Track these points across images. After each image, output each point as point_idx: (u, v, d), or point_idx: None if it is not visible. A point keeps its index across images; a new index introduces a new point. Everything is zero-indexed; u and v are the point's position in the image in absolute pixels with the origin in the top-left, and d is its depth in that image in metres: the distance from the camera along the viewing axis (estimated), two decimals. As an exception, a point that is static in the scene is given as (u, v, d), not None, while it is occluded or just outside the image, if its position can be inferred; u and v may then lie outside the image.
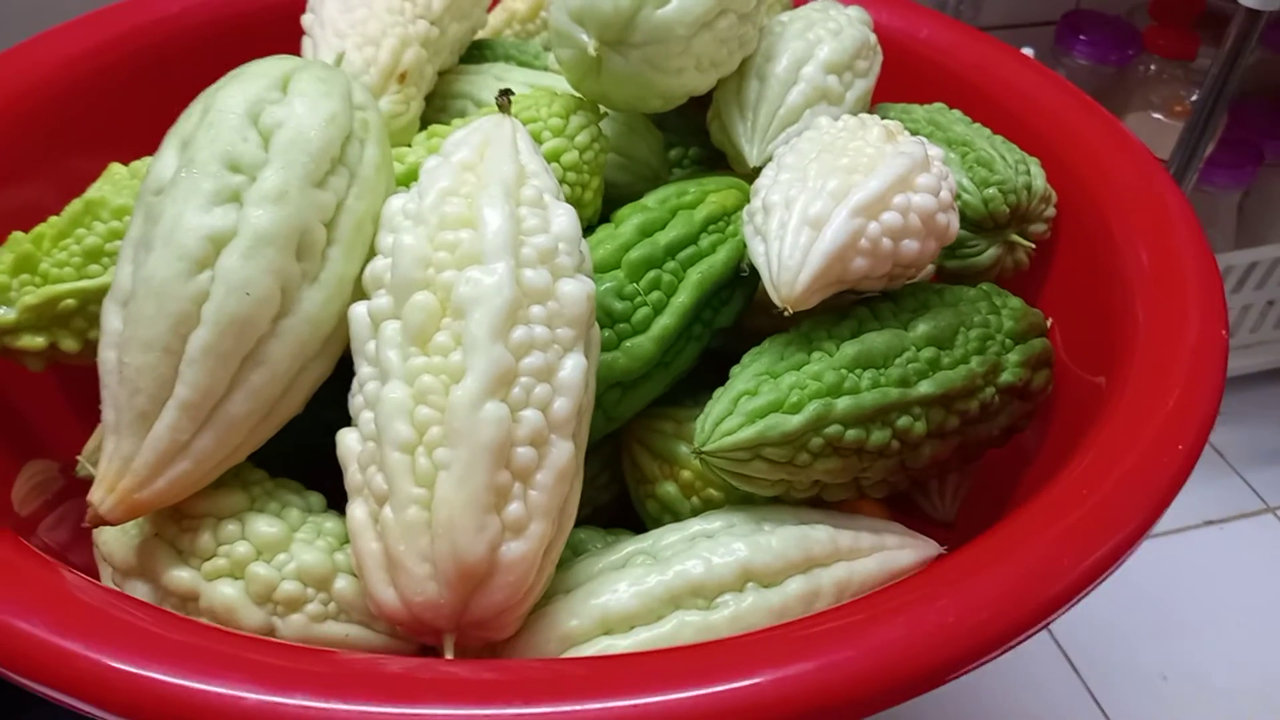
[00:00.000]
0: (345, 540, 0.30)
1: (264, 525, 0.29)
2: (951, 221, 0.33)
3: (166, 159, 0.29)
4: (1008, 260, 0.41)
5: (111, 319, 0.28)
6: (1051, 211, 0.41)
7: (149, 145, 0.47)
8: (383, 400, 0.27)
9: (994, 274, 0.41)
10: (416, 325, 0.27)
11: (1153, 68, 0.74)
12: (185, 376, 0.27)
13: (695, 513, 0.36)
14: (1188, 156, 0.64)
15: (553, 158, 0.36)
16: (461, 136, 0.31)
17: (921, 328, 0.33)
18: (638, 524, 0.39)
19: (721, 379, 0.41)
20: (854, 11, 0.44)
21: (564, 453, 0.28)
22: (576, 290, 0.29)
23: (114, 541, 0.30)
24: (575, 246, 0.30)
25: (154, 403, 0.27)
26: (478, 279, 0.27)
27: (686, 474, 0.36)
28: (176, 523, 0.29)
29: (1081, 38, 0.78)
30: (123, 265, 0.28)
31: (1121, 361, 0.34)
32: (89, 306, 0.33)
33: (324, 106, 0.29)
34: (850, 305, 0.33)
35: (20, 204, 0.43)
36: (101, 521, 0.27)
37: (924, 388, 0.31)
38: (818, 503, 0.33)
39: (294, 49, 0.44)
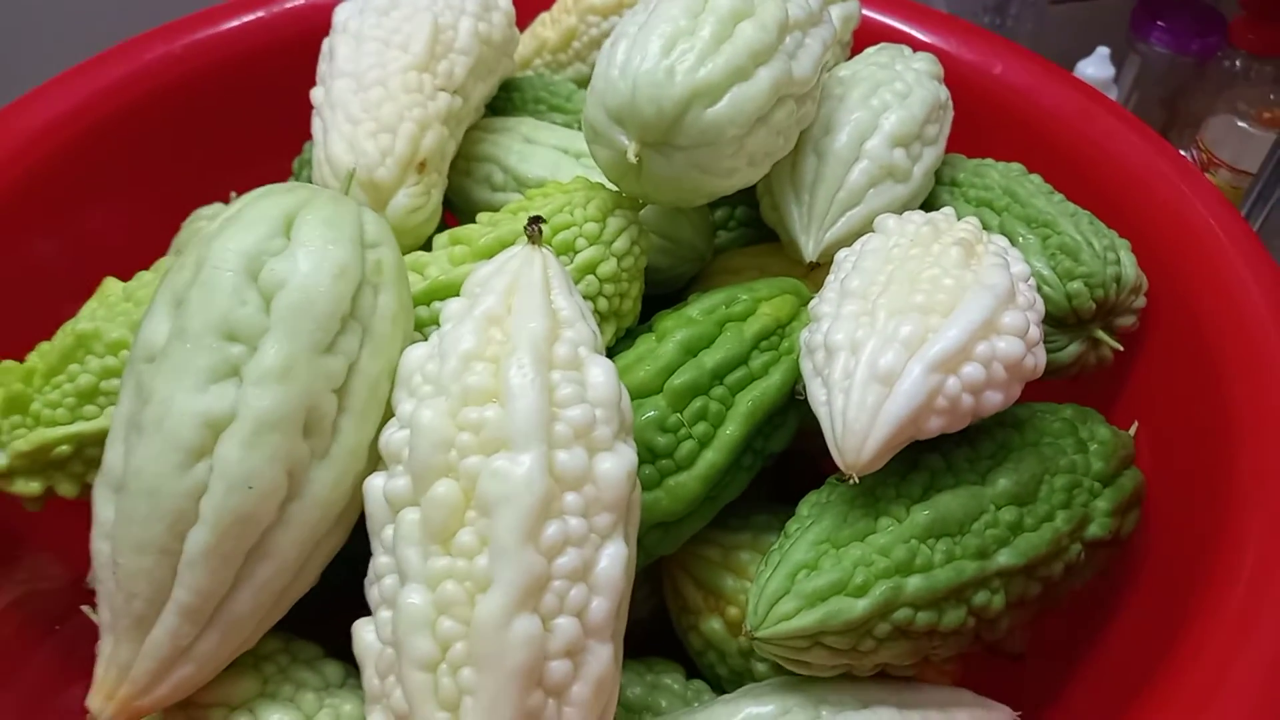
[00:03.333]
0: (365, 722, 0.28)
1: (277, 717, 0.27)
2: (1039, 360, 0.29)
3: (157, 320, 0.26)
4: (1090, 357, 0.37)
5: (103, 507, 0.25)
6: (1141, 302, 0.37)
7: (159, 191, 0.45)
8: (402, 608, 0.24)
9: (1074, 371, 0.37)
10: (438, 522, 0.24)
11: (1238, 64, 0.68)
12: (184, 579, 0.25)
13: (743, 654, 0.33)
14: (1276, 175, 0.59)
15: (589, 269, 0.32)
16: (486, 276, 0.28)
17: (1002, 483, 0.29)
18: (677, 644, 0.36)
19: (773, 485, 0.38)
20: (922, 63, 0.40)
21: (602, 660, 0.25)
22: (616, 469, 0.25)
23: (118, 726, 0.27)
24: (614, 410, 0.26)
25: (151, 607, 0.25)
26: (505, 471, 0.24)
27: (734, 611, 0.33)
28: (183, 711, 0.27)
29: (1159, 24, 0.72)
30: (113, 444, 0.26)
31: (1228, 505, 0.31)
32: (85, 450, 0.30)
33: (332, 257, 0.26)
34: (919, 452, 0.30)
35: (31, 263, 0.41)
36: (99, 729, 0.25)
37: (1004, 558, 0.28)
38: (880, 673, 0.30)
39: (309, 84, 0.41)
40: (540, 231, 0.28)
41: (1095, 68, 0.65)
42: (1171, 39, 0.72)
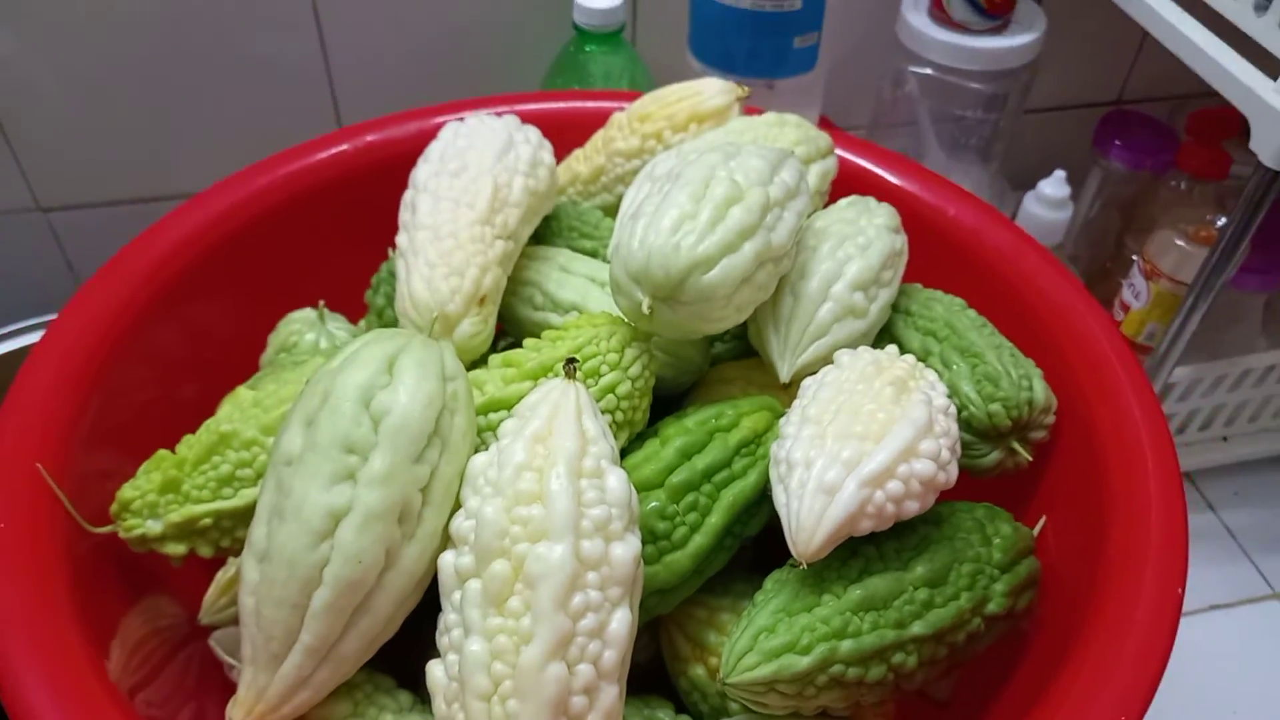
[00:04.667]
0: (430, 738, 0.37)
1: (365, 733, 0.36)
2: (950, 475, 0.39)
3: (293, 434, 0.35)
4: (1009, 462, 0.46)
5: (250, 571, 0.35)
6: (1051, 419, 0.46)
7: (258, 292, 0.54)
8: (465, 654, 0.33)
9: (995, 472, 0.46)
10: (494, 591, 0.33)
11: (1183, 185, 0.77)
12: (309, 627, 0.34)
13: (720, 695, 0.42)
14: (1205, 289, 0.67)
15: (609, 389, 0.41)
16: (534, 402, 0.37)
17: (919, 569, 0.38)
18: (669, 685, 0.45)
19: (754, 556, 0.47)
20: (882, 218, 0.49)
21: (610, 696, 0.34)
22: (625, 554, 0.35)
23: (245, 734, 0.37)
24: (626, 508, 0.36)
25: (283, 647, 0.34)
26: (545, 555, 0.33)
27: (714, 661, 0.42)
28: (295, 726, 0.36)
29: (1117, 143, 0.82)
30: (258, 525, 0.35)
31: (1096, 582, 0.39)
32: (221, 522, 0.40)
33: (423, 390, 0.35)
34: (859, 544, 0.39)
35: (155, 348, 0.50)
36: (239, 736, 0.34)
37: (917, 628, 0.37)
38: (822, 714, 0.39)
39: (383, 205, 0.50)
40: (575, 371, 0.38)
41: (1052, 188, 0.74)
42: (1129, 155, 0.81)
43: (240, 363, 0.53)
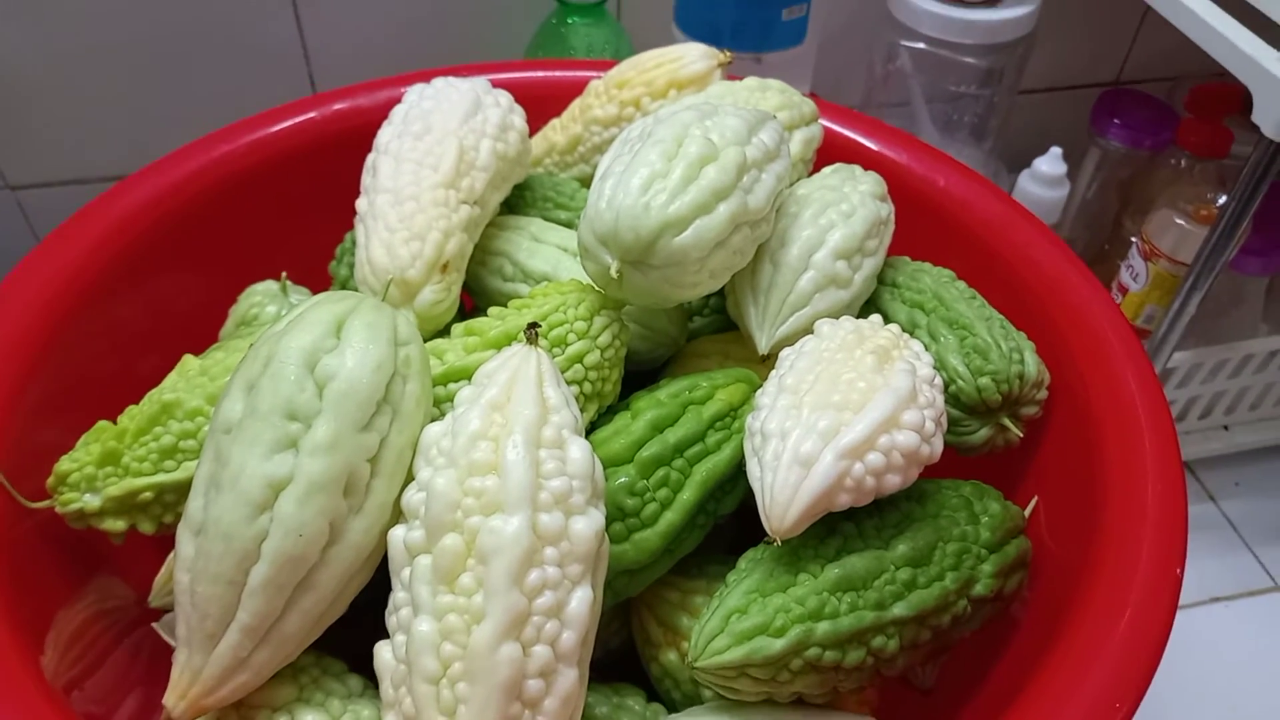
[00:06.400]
0: (380, 725, 0.35)
1: (310, 718, 0.34)
2: (935, 448, 0.36)
3: (233, 400, 0.33)
4: (999, 439, 0.44)
5: (185, 545, 0.32)
6: (1043, 394, 0.44)
7: (220, 264, 0.52)
8: (413, 634, 0.31)
9: (985, 449, 0.44)
10: (445, 567, 0.31)
11: (1183, 162, 0.75)
12: (246, 605, 0.32)
13: (693, 682, 0.40)
14: (1205, 269, 0.65)
15: (577, 359, 0.39)
16: (492, 369, 0.35)
17: (901, 548, 0.36)
18: (641, 671, 0.43)
19: (734, 538, 0.45)
20: (868, 185, 0.47)
21: (569, 680, 0.32)
22: (586, 529, 0.32)
23: (184, 719, 0.34)
24: (588, 481, 0.33)
25: (219, 625, 0.32)
26: (499, 529, 0.31)
27: (687, 646, 0.40)
28: (236, 711, 0.34)
29: (1115, 121, 0.79)
30: (195, 497, 0.33)
31: (1088, 564, 0.37)
32: (164, 496, 0.37)
33: (372, 355, 0.33)
34: (838, 520, 0.37)
35: (114, 322, 0.48)
36: (173, 720, 0.32)
37: (898, 610, 0.35)
38: (798, 700, 0.36)
39: (349, 174, 0.48)
40: (536, 335, 0.36)
41: (1048, 165, 0.72)
42: (1127, 134, 0.79)
43: (204, 336, 0.51)
